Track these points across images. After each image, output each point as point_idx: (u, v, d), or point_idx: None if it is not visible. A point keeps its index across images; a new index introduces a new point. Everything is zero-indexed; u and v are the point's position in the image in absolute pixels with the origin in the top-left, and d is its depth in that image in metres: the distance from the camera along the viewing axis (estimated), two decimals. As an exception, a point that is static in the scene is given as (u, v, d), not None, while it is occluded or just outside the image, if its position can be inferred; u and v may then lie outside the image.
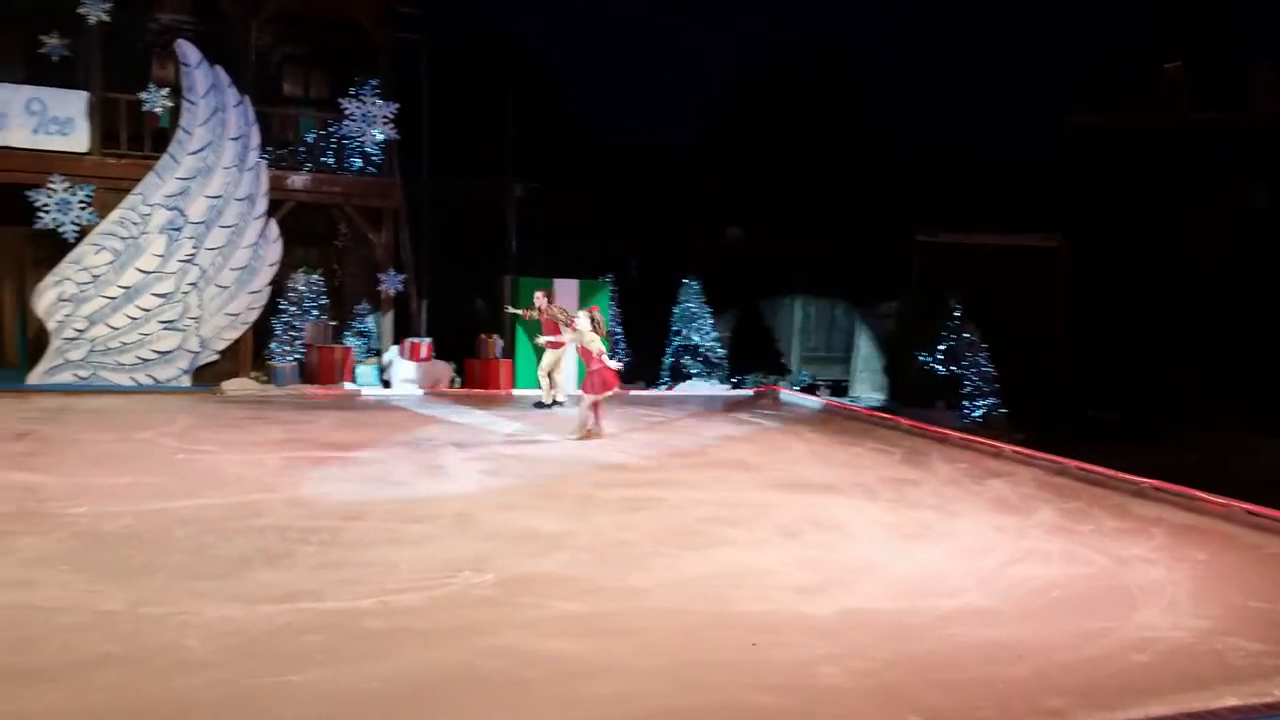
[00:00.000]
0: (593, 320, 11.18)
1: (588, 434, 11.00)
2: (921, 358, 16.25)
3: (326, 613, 5.35)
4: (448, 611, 5.46)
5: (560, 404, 13.51)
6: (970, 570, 6.66)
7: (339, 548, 6.63)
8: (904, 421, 13.27)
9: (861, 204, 20.24)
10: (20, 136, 14.14)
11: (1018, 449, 11.19)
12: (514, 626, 5.25)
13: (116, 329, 14.13)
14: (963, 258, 18.05)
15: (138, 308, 14.21)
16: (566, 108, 22.33)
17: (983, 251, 18.27)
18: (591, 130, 22.25)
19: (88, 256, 14.04)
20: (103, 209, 14.26)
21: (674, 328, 17.82)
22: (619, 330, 17.95)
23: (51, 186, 14.02)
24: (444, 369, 15.86)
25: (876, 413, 13.96)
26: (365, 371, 15.68)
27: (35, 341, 14.88)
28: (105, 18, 14.31)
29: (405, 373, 15.46)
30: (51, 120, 14.30)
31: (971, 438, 12.29)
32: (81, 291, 14.03)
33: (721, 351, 17.93)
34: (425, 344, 15.85)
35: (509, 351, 16.19)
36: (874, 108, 22.98)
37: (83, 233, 14.12)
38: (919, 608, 5.85)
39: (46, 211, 14.02)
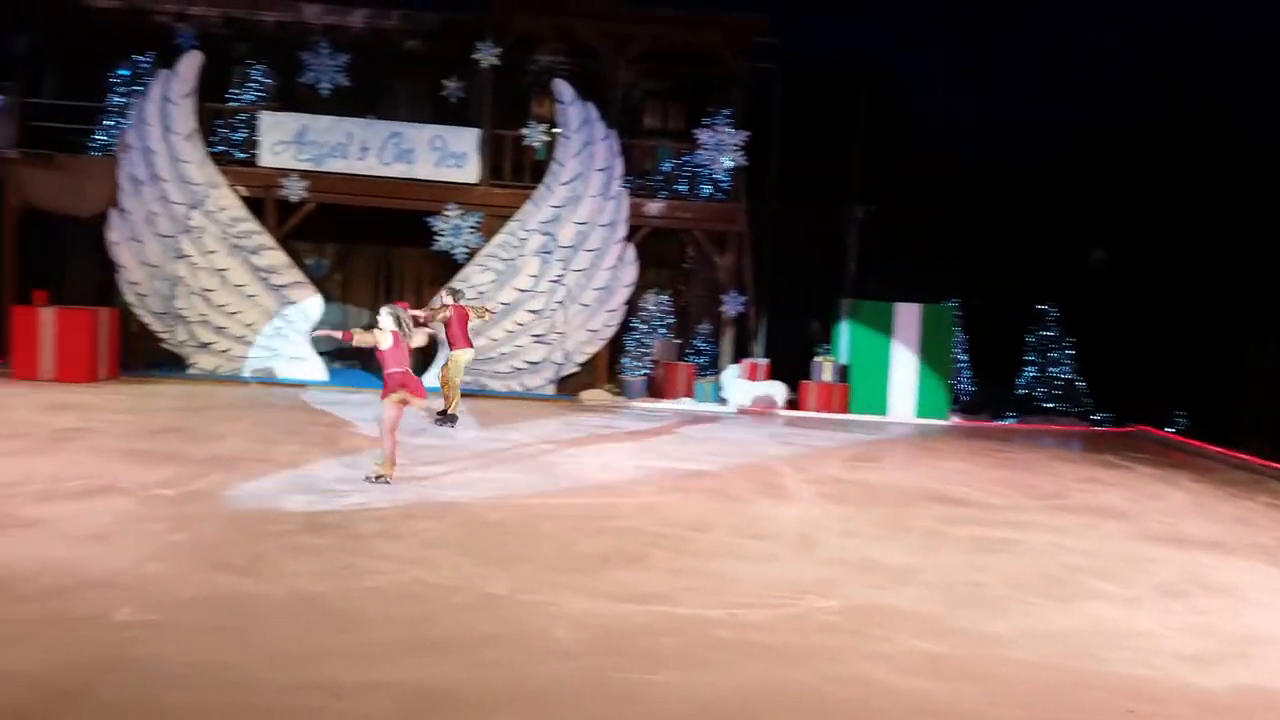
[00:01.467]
0: (398, 320, 8.39)
1: (381, 473, 8.44)
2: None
3: (679, 617, 5.58)
4: (795, 632, 5.49)
5: (455, 417, 10.88)
6: (1406, 658, 5.63)
7: (687, 556, 6.90)
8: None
9: (1251, 223, 17.86)
10: (425, 170, 16.18)
11: None
12: (863, 657, 5.17)
13: (495, 341, 15.72)
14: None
15: (514, 322, 15.74)
16: (916, 129, 21.75)
17: None
18: (941, 152, 21.50)
19: (474, 276, 15.76)
20: (488, 233, 15.97)
21: (1028, 358, 16.71)
22: (964, 359, 17.17)
23: (447, 214, 15.89)
24: (779, 390, 16.00)
25: (1273, 464, 12.22)
26: (704, 388, 16.22)
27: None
28: (496, 61, 16.04)
29: (742, 391, 15.79)
30: (450, 155, 16.22)
31: (1400, 501, 10.42)
32: (467, 306, 15.75)
33: (1082, 385, 16.55)
34: (763, 365, 16.12)
35: (844, 375, 16.04)
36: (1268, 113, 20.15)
37: (470, 255, 15.88)
38: (1339, 695, 5.03)
39: (442, 235, 15.92)
